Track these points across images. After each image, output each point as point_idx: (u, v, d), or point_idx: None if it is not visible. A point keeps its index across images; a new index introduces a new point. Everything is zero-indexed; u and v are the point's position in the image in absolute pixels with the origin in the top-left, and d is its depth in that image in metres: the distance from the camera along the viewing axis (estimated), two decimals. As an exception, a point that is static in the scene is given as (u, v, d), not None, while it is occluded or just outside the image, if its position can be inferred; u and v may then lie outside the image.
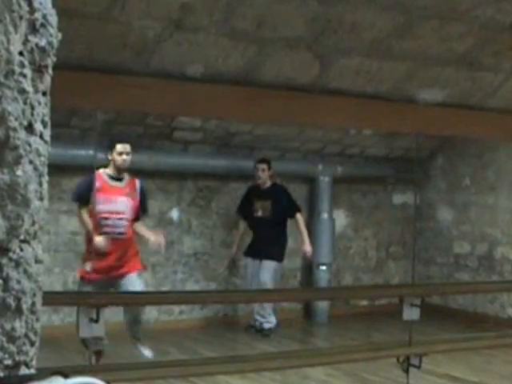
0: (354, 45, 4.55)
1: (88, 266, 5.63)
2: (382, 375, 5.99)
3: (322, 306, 8.44)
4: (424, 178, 9.48)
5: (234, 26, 4.21)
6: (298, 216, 7.83)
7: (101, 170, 5.88)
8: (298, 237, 8.16)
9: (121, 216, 5.79)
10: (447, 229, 9.32)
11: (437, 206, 9.47)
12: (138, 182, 6.05)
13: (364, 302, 9.14)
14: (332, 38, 4.43)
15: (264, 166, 7.70)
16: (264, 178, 7.72)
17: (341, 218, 9.06)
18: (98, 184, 5.69)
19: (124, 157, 5.81)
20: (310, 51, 4.52)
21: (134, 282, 5.68)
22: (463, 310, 8.92)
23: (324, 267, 8.48)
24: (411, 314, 4.76)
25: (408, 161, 8.89)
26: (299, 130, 8.07)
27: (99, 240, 5.61)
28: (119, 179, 5.90)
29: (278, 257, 7.72)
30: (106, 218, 5.74)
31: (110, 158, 5.86)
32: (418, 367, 4.73)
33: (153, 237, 5.92)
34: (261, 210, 7.73)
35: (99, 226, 5.67)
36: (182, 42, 4.19)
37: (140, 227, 6.03)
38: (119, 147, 5.82)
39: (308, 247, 7.76)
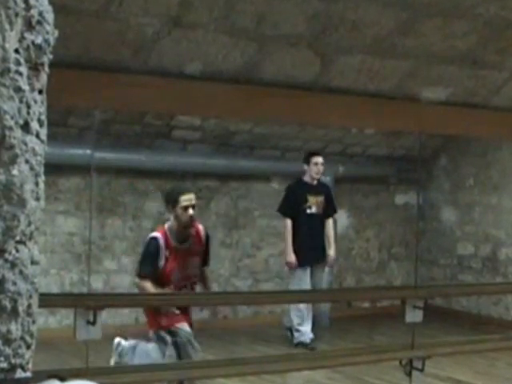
0: (355, 42, 4.55)
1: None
2: (385, 378, 5.98)
3: (324, 308, 8.43)
4: (427, 177, 9.48)
5: (234, 23, 4.21)
6: (332, 218, 7.55)
7: (166, 228, 4.96)
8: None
9: (193, 280, 5.05)
10: (450, 229, 9.32)
11: (440, 207, 9.47)
12: (202, 230, 5.15)
13: (366, 304, 9.14)
14: (333, 36, 4.43)
15: (320, 159, 7.23)
16: (320, 172, 7.27)
17: (342, 219, 9.05)
18: (166, 252, 4.87)
19: (190, 212, 4.86)
20: (311, 49, 4.53)
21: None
22: (467, 312, 8.91)
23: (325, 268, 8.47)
24: (414, 316, 4.75)
25: (410, 160, 8.89)
26: (300, 128, 8.07)
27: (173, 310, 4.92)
28: (186, 238, 4.99)
29: (326, 258, 7.40)
30: (185, 287, 4.97)
31: (172, 213, 4.93)
32: (421, 370, 4.73)
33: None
34: (315, 207, 7.27)
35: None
36: (181, 40, 4.19)
37: (206, 281, 5.30)
38: (184, 199, 4.86)
39: (333, 252, 7.43)
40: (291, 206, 7.28)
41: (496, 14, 4.51)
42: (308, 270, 7.20)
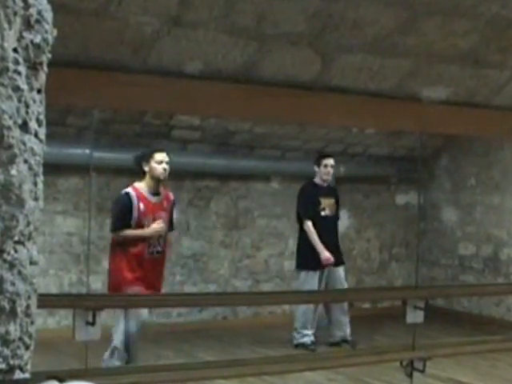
0: (356, 41, 4.55)
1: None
2: (385, 379, 5.98)
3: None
4: (428, 177, 9.48)
5: (234, 22, 4.21)
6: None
7: (136, 185, 5.47)
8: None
9: (161, 233, 5.50)
10: (451, 230, 9.32)
11: (441, 207, 9.47)
12: (171, 196, 5.73)
13: (367, 305, 9.14)
14: (334, 35, 4.43)
15: (331, 161, 7.24)
16: (331, 173, 7.27)
17: (343, 219, 9.04)
18: (141, 205, 5.36)
19: (165, 165, 5.41)
20: (312, 48, 4.53)
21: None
22: (468, 312, 8.91)
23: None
24: (415, 316, 4.76)
25: (412, 160, 8.88)
26: (300, 128, 8.07)
27: (158, 225, 5.38)
28: (157, 193, 5.51)
29: (343, 260, 7.39)
30: (151, 238, 5.42)
31: (146, 169, 5.42)
32: (422, 371, 4.73)
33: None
34: (328, 209, 7.29)
35: (147, 246, 5.39)
36: (181, 39, 4.19)
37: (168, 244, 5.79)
38: (158, 156, 5.42)
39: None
40: (309, 208, 7.27)
41: (497, 13, 4.51)
42: (317, 275, 7.15)
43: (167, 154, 5.51)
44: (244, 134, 7.99)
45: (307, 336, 7.21)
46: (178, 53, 4.27)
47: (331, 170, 7.25)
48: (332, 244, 7.20)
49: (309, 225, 7.19)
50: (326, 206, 7.29)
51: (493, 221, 8.83)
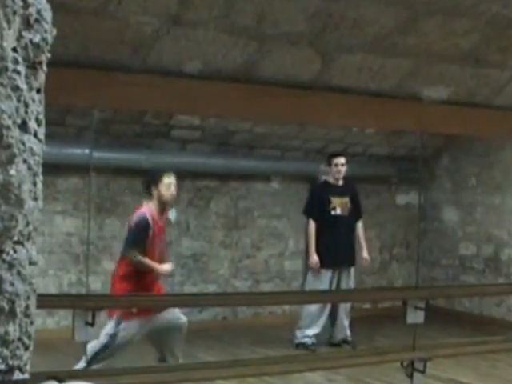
0: (356, 41, 4.55)
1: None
2: (386, 380, 5.98)
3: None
4: (428, 177, 9.48)
5: (234, 22, 4.21)
6: (361, 220, 7.52)
7: (150, 206, 5.38)
8: (301, 239, 8.16)
9: (163, 254, 5.58)
10: (452, 230, 9.32)
11: (442, 207, 9.47)
12: (173, 211, 5.81)
13: (367, 305, 9.14)
14: (334, 34, 4.43)
15: (342, 160, 7.27)
16: (343, 173, 7.28)
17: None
18: (155, 228, 5.34)
19: (173, 190, 5.37)
20: (312, 47, 4.53)
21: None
22: (469, 313, 8.91)
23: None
24: (415, 317, 4.76)
25: (412, 160, 8.88)
26: (300, 128, 8.07)
27: (167, 267, 5.49)
28: (165, 213, 5.56)
29: (354, 261, 7.35)
30: (158, 256, 5.45)
31: (154, 192, 5.33)
32: (423, 372, 4.73)
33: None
34: (340, 208, 7.27)
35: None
36: (181, 38, 4.19)
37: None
38: (167, 180, 5.33)
39: (366, 254, 7.42)
40: (315, 207, 7.30)
41: (498, 12, 4.51)
42: (329, 273, 7.17)
43: (174, 176, 5.43)
44: (244, 134, 7.99)
45: (308, 337, 7.21)
46: (177, 52, 4.27)
47: (342, 169, 7.26)
48: (342, 244, 7.18)
49: (310, 224, 7.23)
50: (338, 205, 7.28)
51: (493, 221, 8.83)
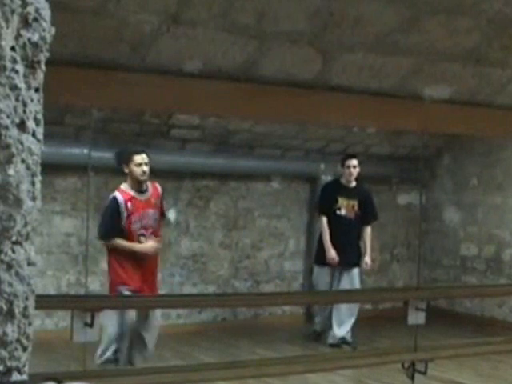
0: (357, 39, 4.55)
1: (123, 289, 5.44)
2: (387, 381, 5.98)
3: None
4: (430, 177, 9.48)
5: (234, 20, 4.20)
6: (369, 226, 7.60)
7: (122, 187, 5.65)
8: (301, 239, 8.16)
9: (151, 231, 5.64)
10: (454, 230, 9.32)
11: (443, 207, 9.47)
12: (159, 189, 5.84)
13: (368, 306, 9.13)
14: (335, 33, 4.43)
15: (356, 161, 7.39)
16: (355, 174, 7.39)
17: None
18: (129, 204, 5.51)
19: (144, 168, 5.54)
20: (312, 46, 4.52)
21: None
22: (470, 313, 8.91)
23: (326, 270, 8.47)
24: (416, 318, 4.76)
25: (413, 160, 8.89)
26: (300, 127, 8.07)
27: (151, 245, 5.54)
28: (143, 191, 5.65)
29: (359, 262, 7.42)
30: (143, 235, 5.58)
31: (126, 171, 5.59)
32: (424, 373, 4.74)
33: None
34: (345, 209, 7.40)
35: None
36: (180, 37, 4.19)
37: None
38: (137, 158, 5.55)
39: (368, 258, 7.45)
40: (325, 204, 7.45)
41: (500, 10, 4.51)
42: (328, 270, 7.32)
43: (147, 155, 5.59)
44: (244, 134, 7.99)
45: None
46: (177, 51, 4.26)
47: (353, 171, 7.35)
48: (344, 244, 7.27)
49: (322, 220, 7.40)
50: (343, 206, 7.39)
51: (495, 221, 8.83)
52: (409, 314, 4.74)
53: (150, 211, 5.63)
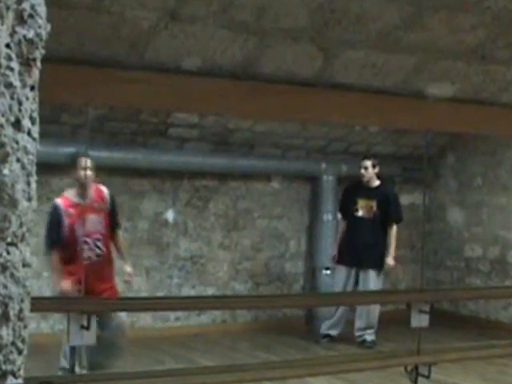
0: (359, 37, 4.55)
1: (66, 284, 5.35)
2: (389, 385, 5.99)
3: (326, 312, 8.42)
4: (433, 177, 9.48)
5: (233, 17, 4.21)
6: (395, 226, 7.67)
7: (65, 193, 5.67)
8: (302, 240, 8.15)
9: (96, 236, 5.50)
10: (458, 231, 9.32)
11: (447, 207, 9.47)
12: (105, 194, 5.73)
13: (370, 308, 9.13)
14: (336, 30, 4.43)
15: (367, 163, 7.60)
16: (367, 176, 7.59)
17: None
18: (70, 210, 5.44)
19: (87, 172, 5.48)
20: (314, 43, 4.52)
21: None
22: (475, 316, 8.92)
23: (328, 271, 8.47)
24: (420, 320, 4.76)
25: (416, 159, 8.89)
26: (301, 126, 8.07)
27: (66, 286, 5.34)
28: (86, 196, 5.55)
29: (379, 265, 7.52)
30: (86, 243, 5.44)
31: (74, 177, 5.61)
32: (427, 377, 4.74)
33: (129, 268, 5.65)
34: (363, 210, 7.55)
35: (81, 250, 5.40)
36: (178, 34, 4.19)
37: (120, 244, 5.78)
38: (81, 162, 5.53)
39: (390, 260, 7.60)
40: (345, 206, 7.72)
41: (505, 7, 4.51)
42: (345, 271, 7.52)
43: (91, 159, 5.60)
44: (244, 133, 7.99)
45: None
46: (175, 48, 4.27)
47: (365, 172, 7.57)
48: (361, 245, 7.42)
49: (341, 223, 7.79)
50: (362, 207, 7.55)
51: (500, 222, 8.84)
52: (412, 316, 4.74)
53: (93, 217, 5.52)
